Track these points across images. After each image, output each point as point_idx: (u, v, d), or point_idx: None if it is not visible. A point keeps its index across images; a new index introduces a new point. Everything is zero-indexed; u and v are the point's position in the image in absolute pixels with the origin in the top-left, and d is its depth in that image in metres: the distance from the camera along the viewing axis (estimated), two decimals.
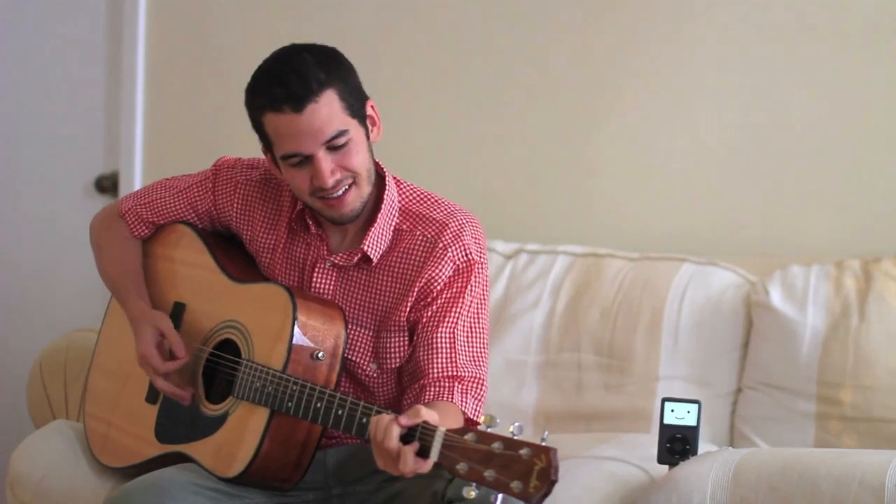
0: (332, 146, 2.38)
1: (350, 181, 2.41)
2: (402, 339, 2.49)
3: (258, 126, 2.43)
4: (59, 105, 4.18)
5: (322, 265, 2.52)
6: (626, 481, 2.70)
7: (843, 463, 2.43)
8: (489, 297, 2.57)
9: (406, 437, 2.08)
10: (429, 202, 2.53)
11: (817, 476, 2.41)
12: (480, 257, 2.50)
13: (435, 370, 2.43)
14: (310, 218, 2.52)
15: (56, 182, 4.18)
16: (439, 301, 2.46)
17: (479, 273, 2.48)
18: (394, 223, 2.51)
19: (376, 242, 2.48)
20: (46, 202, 4.19)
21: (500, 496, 1.96)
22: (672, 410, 2.64)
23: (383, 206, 2.49)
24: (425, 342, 2.45)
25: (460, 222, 2.50)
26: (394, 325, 2.48)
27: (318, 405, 2.30)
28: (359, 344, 2.50)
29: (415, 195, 2.54)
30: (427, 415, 2.09)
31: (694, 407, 2.63)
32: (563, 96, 3.59)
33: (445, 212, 2.51)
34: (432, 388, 2.42)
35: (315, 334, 2.41)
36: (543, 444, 1.95)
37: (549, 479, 1.92)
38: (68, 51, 4.15)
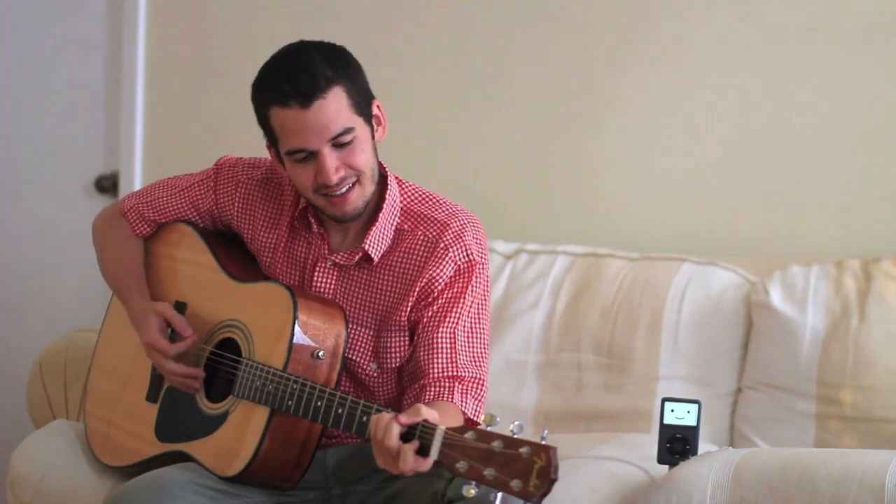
0: (338, 143, 2.38)
1: (354, 179, 2.41)
2: (402, 338, 2.49)
3: (264, 120, 2.43)
4: (59, 105, 4.17)
5: (323, 264, 2.53)
6: (626, 481, 2.69)
7: (843, 463, 2.43)
8: (490, 297, 2.56)
9: (406, 436, 2.08)
10: (430, 202, 2.53)
11: (817, 476, 2.41)
12: (481, 258, 2.50)
13: (435, 370, 2.43)
14: (312, 216, 2.52)
15: (56, 182, 4.18)
16: (440, 301, 2.46)
17: (480, 273, 2.49)
18: (395, 223, 2.51)
19: (377, 242, 2.48)
20: (46, 202, 4.19)
21: (499, 495, 1.96)
22: (672, 410, 2.63)
23: (385, 205, 2.49)
24: (426, 342, 2.45)
25: (462, 222, 2.50)
26: (394, 324, 2.48)
27: (319, 404, 2.30)
28: (359, 343, 2.50)
29: (416, 195, 2.54)
30: (427, 413, 2.09)
31: (694, 407, 2.63)
32: (563, 96, 3.59)
33: (447, 212, 2.51)
34: (432, 388, 2.42)
35: (316, 333, 2.42)
36: (543, 442, 1.95)
37: (548, 478, 1.92)
38: (68, 51, 4.15)
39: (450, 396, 2.41)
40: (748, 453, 2.56)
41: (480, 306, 2.49)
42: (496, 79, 3.66)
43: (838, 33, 3.33)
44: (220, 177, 2.64)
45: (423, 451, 2.06)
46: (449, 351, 2.44)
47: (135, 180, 4.03)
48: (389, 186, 2.50)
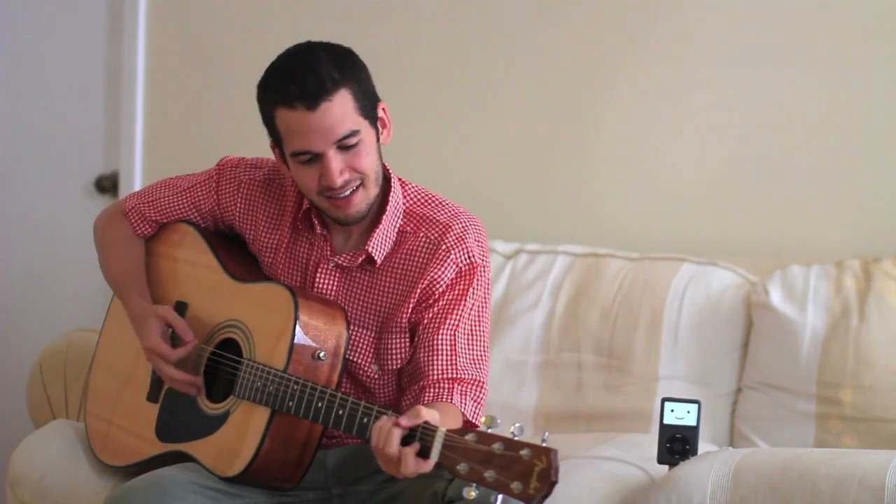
0: (343, 146, 2.38)
1: (358, 183, 2.41)
2: (403, 340, 2.49)
3: (269, 121, 2.43)
4: (59, 105, 4.17)
5: (325, 266, 2.53)
6: (626, 481, 2.69)
7: (843, 463, 2.43)
8: (490, 299, 2.56)
9: (406, 439, 2.09)
10: (432, 204, 2.53)
11: (817, 476, 2.41)
12: (483, 260, 2.50)
13: (435, 372, 2.43)
14: (315, 217, 2.52)
15: (56, 182, 4.18)
16: (441, 303, 2.46)
17: (481, 276, 2.49)
18: (398, 225, 2.51)
19: (380, 244, 2.48)
20: (46, 202, 4.19)
21: (500, 497, 1.97)
22: (672, 410, 2.63)
23: (388, 208, 2.49)
24: (426, 343, 2.45)
25: (464, 224, 2.50)
26: (395, 326, 2.48)
27: (319, 405, 2.30)
28: (360, 345, 2.50)
29: (419, 197, 2.54)
30: (427, 415, 2.09)
31: (694, 407, 2.63)
32: (563, 96, 3.59)
33: (449, 214, 2.51)
34: (432, 390, 2.42)
35: (317, 334, 2.42)
36: (544, 445, 1.96)
37: (549, 480, 1.92)
38: (68, 51, 4.15)
39: (449, 398, 2.41)
40: (748, 453, 2.56)
41: (481, 309, 2.49)
42: (496, 79, 3.66)
43: (839, 33, 3.33)
44: (222, 177, 2.64)
45: (423, 454, 2.06)
46: (449, 352, 2.44)
47: (135, 180, 4.03)
48: (393, 189, 2.50)
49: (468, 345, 2.46)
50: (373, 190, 2.44)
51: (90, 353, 2.86)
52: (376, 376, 2.51)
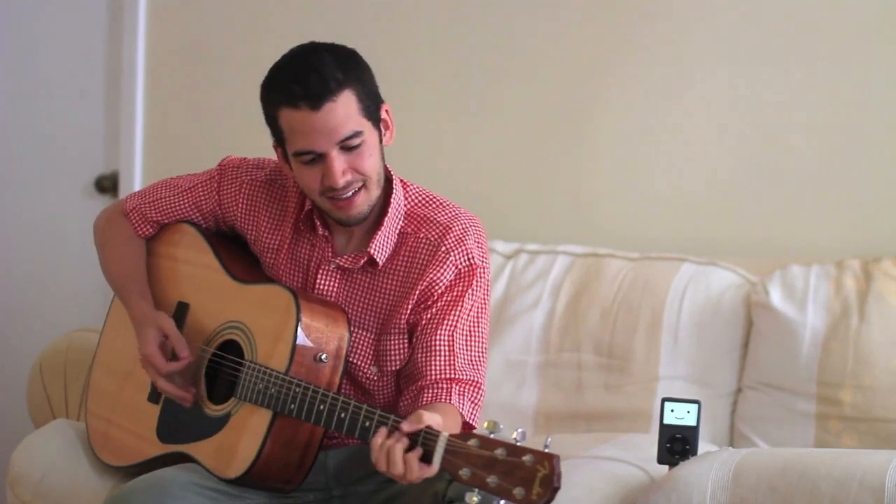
0: (346, 146, 2.38)
1: (360, 184, 2.41)
2: (402, 341, 2.49)
3: (272, 121, 2.42)
4: (59, 105, 4.17)
5: (327, 267, 2.52)
6: (626, 481, 2.70)
7: (843, 463, 2.43)
8: (490, 301, 2.56)
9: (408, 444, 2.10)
10: (433, 205, 2.53)
11: (817, 476, 2.41)
12: (482, 261, 2.50)
13: (433, 372, 2.42)
14: (317, 218, 2.52)
15: (56, 182, 4.18)
16: (439, 304, 2.45)
17: (480, 277, 2.48)
18: (399, 226, 2.51)
19: (382, 246, 2.48)
20: (46, 202, 4.19)
21: (502, 502, 1.97)
22: (672, 410, 2.63)
23: (390, 210, 2.48)
24: (424, 344, 2.45)
25: (464, 226, 2.49)
26: (394, 327, 2.48)
27: (321, 408, 2.30)
28: (360, 346, 2.50)
29: (419, 198, 2.54)
30: (429, 419, 2.09)
31: (694, 407, 2.63)
32: (563, 96, 3.59)
33: (449, 215, 2.51)
34: (430, 390, 2.42)
35: (318, 336, 2.41)
36: (546, 450, 1.95)
37: (551, 487, 1.92)
38: (68, 51, 4.15)
39: (447, 398, 2.40)
40: (748, 453, 2.56)
41: (480, 310, 2.49)
42: (496, 79, 3.66)
43: (839, 33, 3.33)
44: (223, 177, 2.64)
45: (426, 458, 2.06)
46: (447, 353, 2.43)
47: (135, 180, 4.03)
48: (395, 190, 2.50)
49: (466, 345, 2.46)
50: (375, 191, 2.44)
51: (90, 353, 2.86)
52: (375, 378, 2.51)
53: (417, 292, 2.46)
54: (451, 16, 3.70)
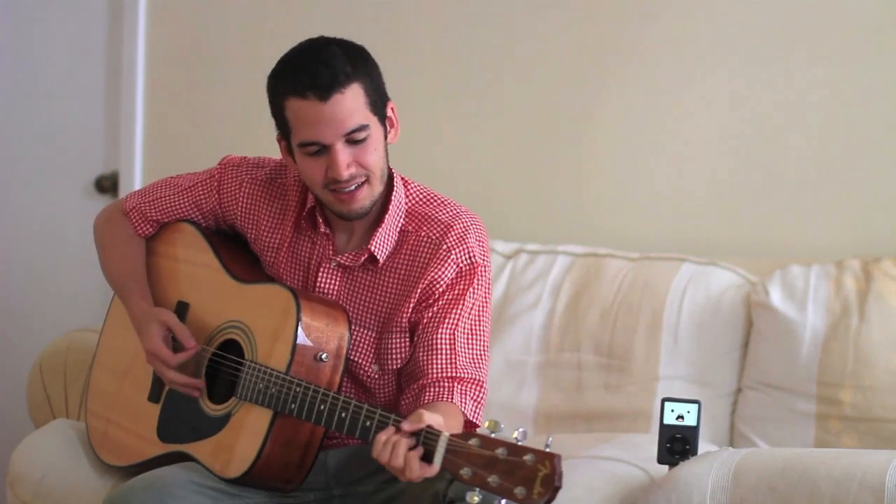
0: (352, 140, 2.38)
1: (363, 178, 2.41)
2: (403, 340, 2.49)
3: (279, 111, 2.42)
4: (59, 105, 4.17)
5: (327, 265, 2.52)
6: (626, 481, 2.69)
7: (843, 463, 2.43)
8: (491, 299, 2.56)
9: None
10: (434, 203, 2.53)
11: (817, 476, 2.41)
12: (484, 260, 2.50)
13: (434, 371, 2.43)
14: (319, 215, 2.52)
15: (56, 182, 4.18)
16: (441, 302, 2.46)
17: (481, 276, 2.49)
18: (400, 224, 2.51)
19: (383, 243, 2.48)
20: (46, 202, 4.19)
21: (503, 502, 1.97)
22: (672, 410, 2.63)
23: (391, 207, 2.49)
24: (425, 343, 2.45)
25: (465, 224, 2.50)
26: (396, 326, 2.48)
27: (322, 407, 2.30)
28: (361, 345, 2.50)
29: (421, 196, 2.54)
30: (430, 419, 2.09)
31: (694, 407, 2.63)
32: (563, 96, 3.59)
33: (451, 213, 2.51)
34: (432, 389, 2.42)
35: (319, 336, 2.41)
36: (547, 450, 1.96)
37: (552, 486, 1.92)
38: (68, 51, 4.15)
39: (449, 397, 2.40)
40: (748, 453, 2.56)
41: (481, 308, 2.49)
42: (495, 78, 3.66)
43: (839, 33, 3.33)
44: (224, 176, 2.64)
45: (427, 458, 2.06)
46: (448, 351, 2.44)
47: (135, 180, 4.03)
48: (395, 188, 2.50)
49: (468, 344, 2.46)
50: (378, 187, 2.44)
51: (90, 353, 2.86)
52: (376, 376, 2.51)
53: (419, 291, 2.46)
54: (451, 16, 3.70)
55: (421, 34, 3.74)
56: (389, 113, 2.47)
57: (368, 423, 2.22)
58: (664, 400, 2.64)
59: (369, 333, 2.50)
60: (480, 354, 2.48)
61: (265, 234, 2.59)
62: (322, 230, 2.52)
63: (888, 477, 2.36)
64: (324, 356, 2.40)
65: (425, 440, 2.07)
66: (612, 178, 3.54)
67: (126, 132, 4.05)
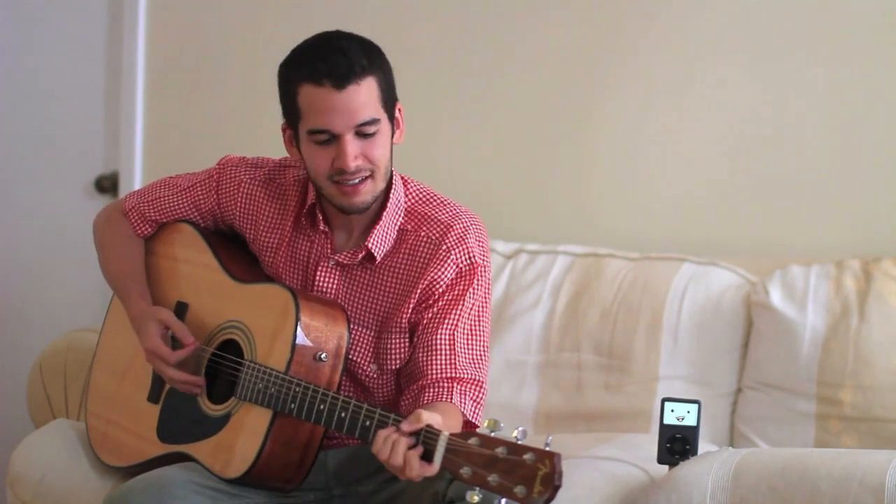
0: (362, 132, 2.38)
1: (368, 173, 2.41)
2: (402, 340, 2.49)
3: (291, 98, 2.42)
4: (59, 105, 4.17)
5: (326, 264, 2.52)
6: (626, 481, 2.69)
7: (843, 463, 2.43)
8: (491, 300, 2.56)
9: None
10: (434, 203, 2.53)
11: (817, 476, 2.41)
12: (483, 260, 2.50)
13: (434, 371, 2.42)
14: (320, 212, 2.52)
15: (56, 182, 4.18)
16: (440, 303, 2.45)
17: (481, 276, 2.48)
18: (399, 223, 2.51)
19: (380, 241, 2.48)
20: (46, 202, 4.19)
21: (503, 501, 1.97)
22: (672, 410, 2.63)
23: (389, 204, 2.49)
24: (425, 343, 2.45)
25: (465, 224, 2.50)
26: (395, 326, 2.48)
27: (322, 407, 2.30)
28: (360, 344, 2.50)
29: (421, 195, 2.54)
30: (429, 418, 2.09)
31: (694, 407, 2.63)
32: (563, 96, 3.59)
33: (450, 213, 2.51)
34: (431, 390, 2.42)
35: (318, 335, 2.41)
36: (547, 448, 1.95)
37: (552, 485, 1.92)
38: (68, 51, 4.15)
39: (448, 397, 2.40)
40: (748, 453, 2.56)
41: (481, 309, 2.49)
42: (496, 78, 3.66)
43: (841, 33, 3.33)
44: (222, 177, 2.64)
45: (426, 457, 2.06)
46: (448, 352, 2.43)
47: (135, 180, 4.03)
48: (394, 186, 2.50)
49: (467, 344, 2.46)
50: (381, 183, 2.44)
51: (90, 353, 2.86)
52: (375, 376, 2.51)
53: (418, 291, 2.46)
54: (450, 15, 3.70)
55: (421, 34, 3.74)
56: (397, 113, 2.47)
57: (368, 423, 2.22)
58: (664, 400, 2.64)
59: (368, 333, 2.50)
60: (480, 355, 2.47)
61: (264, 233, 2.59)
62: (321, 228, 2.52)
63: (888, 477, 2.36)
64: (323, 356, 2.40)
65: (425, 439, 2.07)
66: (612, 178, 3.54)
67: (126, 132, 4.05)
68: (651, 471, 2.74)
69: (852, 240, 3.29)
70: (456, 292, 2.46)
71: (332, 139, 2.38)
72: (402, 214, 2.51)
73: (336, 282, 2.52)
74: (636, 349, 3.21)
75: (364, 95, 2.37)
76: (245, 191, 2.61)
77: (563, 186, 3.59)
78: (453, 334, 2.45)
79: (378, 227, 2.48)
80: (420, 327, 2.46)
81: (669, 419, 2.63)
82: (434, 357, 2.43)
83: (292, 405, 2.34)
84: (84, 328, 3.24)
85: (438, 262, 2.46)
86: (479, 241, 2.51)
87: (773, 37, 3.39)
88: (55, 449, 2.79)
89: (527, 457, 1.95)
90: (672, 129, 3.49)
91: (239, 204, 2.61)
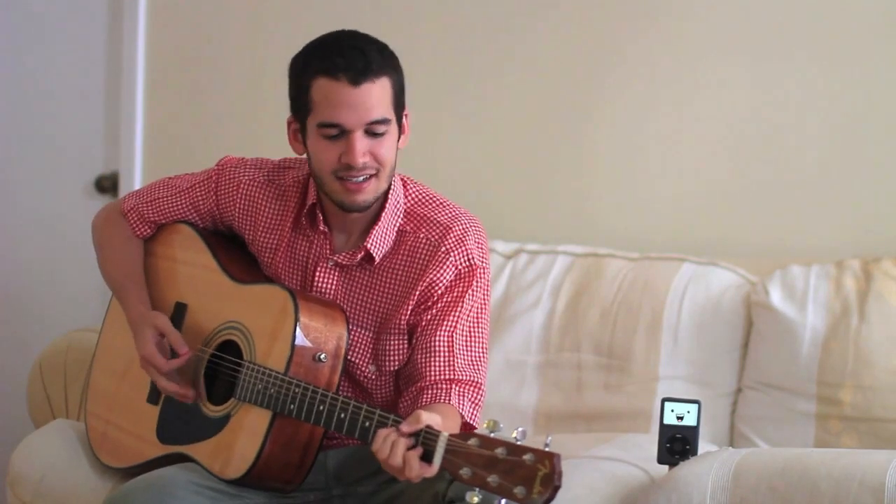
0: (371, 131, 2.39)
1: (373, 171, 2.41)
2: (401, 342, 2.49)
3: (303, 90, 2.42)
4: (59, 105, 4.17)
5: (325, 264, 2.52)
6: (626, 481, 2.69)
7: (843, 463, 2.43)
8: (490, 301, 2.56)
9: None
10: (433, 204, 2.53)
11: (817, 476, 2.41)
12: (482, 262, 2.50)
13: (432, 373, 2.42)
14: (320, 212, 2.52)
15: (56, 182, 4.18)
16: (439, 305, 2.45)
17: (480, 278, 2.48)
18: (398, 224, 2.51)
19: (379, 241, 2.48)
20: (46, 202, 4.19)
21: (503, 501, 1.97)
22: (672, 410, 2.63)
23: (388, 205, 2.49)
24: (423, 345, 2.45)
25: (464, 226, 2.49)
26: (394, 327, 2.48)
27: (321, 408, 2.30)
28: (358, 345, 2.50)
29: (420, 197, 2.54)
30: (429, 419, 2.09)
31: (694, 407, 2.63)
32: (563, 96, 3.59)
33: (450, 215, 2.51)
34: (429, 391, 2.42)
35: (317, 336, 2.41)
36: (547, 449, 1.95)
37: (552, 485, 1.92)
38: (68, 51, 4.15)
39: (447, 399, 2.40)
40: (748, 453, 2.56)
41: (480, 310, 2.49)
42: (495, 78, 3.66)
43: (841, 33, 3.33)
44: (221, 177, 2.64)
45: (426, 458, 2.06)
46: (446, 354, 2.43)
47: (135, 180, 4.03)
48: (394, 187, 2.50)
49: (466, 346, 2.46)
50: (384, 184, 2.44)
51: (90, 353, 2.86)
52: (373, 376, 2.51)
53: (417, 293, 2.46)
54: (450, 15, 3.70)
55: (421, 34, 3.74)
56: (404, 119, 2.48)
57: (368, 424, 2.22)
58: (664, 400, 2.64)
59: (366, 333, 2.50)
60: (479, 356, 2.47)
61: (263, 234, 2.59)
62: (321, 228, 2.52)
63: (888, 477, 2.36)
64: (322, 356, 2.40)
65: (424, 440, 2.07)
66: (612, 178, 3.54)
67: (126, 132, 4.05)
68: (651, 471, 2.74)
69: (852, 240, 3.29)
70: (455, 294, 2.46)
71: (341, 134, 2.39)
72: (402, 216, 2.51)
73: (335, 282, 2.52)
74: (636, 349, 3.21)
75: (378, 94, 2.38)
76: (244, 191, 2.61)
77: (563, 186, 3.59)
78: (452, 336, 2.44)
79: (377, 227, 2.48)
80: (419, 329, 2.46)
81: (669, 419, 2.63)
82: (432, 359, 2.43)
83: (292, 406, 2.34)
84: (84, 328, 3.24)
85: (437, 263, 2.46)
86: (479, 243, 2.51)
87: (773, 37, 3.39)
88: (55, 449, 2.79)
89: (526, 457, 1.95)
90: (672, 129, 3.49)
91: (238, 205, 2.61)
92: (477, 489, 1.98)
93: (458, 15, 3.70)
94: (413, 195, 2.54)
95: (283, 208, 2.57)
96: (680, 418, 2.63)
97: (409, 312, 2.47)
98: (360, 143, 2.38)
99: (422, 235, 2.49)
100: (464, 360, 2.44)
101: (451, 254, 2.47)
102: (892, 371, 3.00)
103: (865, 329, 3.04)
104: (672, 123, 3.48)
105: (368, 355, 2.50)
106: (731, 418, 3.17)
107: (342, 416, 2.26)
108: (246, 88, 3.91)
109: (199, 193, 2.65)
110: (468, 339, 2.46)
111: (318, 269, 2.52)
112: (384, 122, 2.39)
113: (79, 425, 2.87)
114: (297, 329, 2.39)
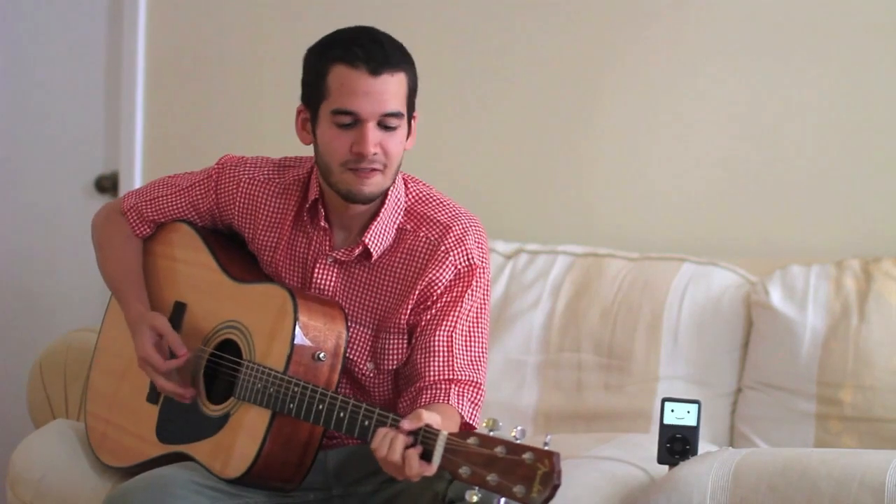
0: (384, 124, 2.39)
1: (382, 164, 2.41)
2: (401, 341, 2.49)
3: (319, 77, 2.42)
4: (59, 105, 4.17)
5: (324, 261, 2.52)
6: (626, 481, 2.69)
7: (843, 463, 2.43)
8: (490, 301, 2.56)
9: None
10: (433, 203, 2.53)
11: (817, 476, 2.41)
12: (482, 262, 2.50)
13: (431, 373, 2.42)
14: (323, 207, 2.52)
15: (56, 182, 4.18)
16: (439, 304, 2.45)
17: (480, 277, 2.48)
18: (398, 221, 2.51)
19: (378, 238, 2.48)
20: (46, 202, 4.19)
21: (502, 500, 1.97)
22: (672, 410, 2.63)
23: (387, 202, 2.48)
24: (423, 345, 2.45)
25: (464, 226, 2.49)
26: (393, 326, 2.48)
27: (320, 407, 2.30)
28: (357, 342, 2.50)
29: (421, 195, 2.54)
30: (429, 418, 2.09)
31: (694, 407, 2.63)
32: (562, 96, 3.59)
33: (450, 214, 2.51)
34: (429, 391, 2.42)
35: (316, 335, 2.41)
36: (546, 448, 1.95)
37: (552, 484, 1.92)
38: (68, 51, 4.15)
39: (446, 399, 2.40)
40: (748, 453, 2.56)
41: (479, 310, 2.49)
42: (495, 78, 3.66)
43: (840, 33, 3.33)
44: (221, 176, 2.64)
45: (425, 457, 2.06)
46: (446, 354, 2.43)
47: (135, 180, 4.03)
48: (395, 185, 2.50)
49: (465, 346, 2.46)
50: (388, 180, 2.44)
51: (90, 353, 2.85)
52: (371, 375, 2.51)
53: (416, 292, 2.46)
54: (450, 16, 3.70)
55: (421, 34, 3.72)
56: (412, 121, 2.48)
57: (367, 423, 2.22)
58: (664, 400, 2.64)
59: (365, 331, 2.50)
60: (478, 356, 2.47)
61: (262, 232, 2.59)
62: (321, 224, 2.52)
63: (888, 477, 2.36)
64: (322, 355, 2.40)
65: (424, 439, 2.07)
66: (612, 178, 3.54)
67: (126, 132, 4.05)
68: (651, 471, 2.74)
69: (852, 240, 3.29)
70: (454, 294, 2.46)
71: (353, 123, 2.39)
72: (402, 213, 2.51)
73: (334, 279, 2.52)
74: (636, 349, 3.21)
75: (395, 87, 2.39)
76: (244, 190, 2.61)
77: (563, 186, 3.59)
78: (451, 336, 2.44)
79: (375, 223, 2.48)
80: (418, 329, 2.46)
81: (669, 419, 2.63)
82: (432, 359, 2.43)
83: (291, 405, 2.34)
84: (84, 328, 3.24)
85: (437, 263, 2.46)
86: (478, 243, 2.50)
87: (773, 37, 3.39)
88: (55, 449, 2.79)
89: (526, 456, 1.95)
90: (672, 128, 3.49)
91: (238, 203, 2.61)
92: (476, 488, 1.98)
93: (459, 15, 3.70)
94: (414, 193, 2.54)
95: (284, 206, 2.57)
96: (680, 418, 2.63)
97: (408, 312, 2.47)
98: (373, 133, 2.38)
99: (421, 234, 2.49)
100: (463, 360, 2.44)
101: (451, 253, 2.47)
102: (892, 371, 3.00)
103: (865, 329, 3.04)
104: (672, 123, 3.48)
105: (367, 353, 2.50)
106: (731, 418, 3.17)
107: (342, 414, 2.26)
108: (246, 88, 3.91)
109: (198, 192, 2.65)
110: (468, 338, 2.46)
111: (318, 265, 2.52)
112: (397, 115, 2.40)
113: (79, 425, 2.87)
114: (297, 328, 2.39)
